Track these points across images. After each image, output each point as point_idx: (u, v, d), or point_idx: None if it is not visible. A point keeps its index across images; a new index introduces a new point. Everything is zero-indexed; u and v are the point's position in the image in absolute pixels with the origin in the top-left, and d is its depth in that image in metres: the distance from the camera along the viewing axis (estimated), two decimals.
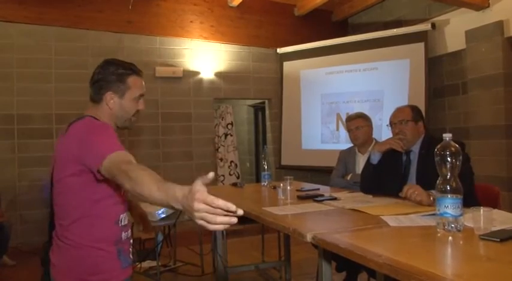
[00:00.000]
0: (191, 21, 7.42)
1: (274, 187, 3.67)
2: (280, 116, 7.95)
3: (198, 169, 7.03)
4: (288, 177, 3.27)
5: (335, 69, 7.37)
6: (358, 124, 3.99)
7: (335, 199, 2.91)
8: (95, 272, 1.81)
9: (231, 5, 7.57)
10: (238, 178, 8.00)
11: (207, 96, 7.49)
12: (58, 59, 6.64)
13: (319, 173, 7.20)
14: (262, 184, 3.91)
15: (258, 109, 9.23)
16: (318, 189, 3.55)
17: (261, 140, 9.00)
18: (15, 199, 6.31)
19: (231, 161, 7.86)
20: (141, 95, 1.99)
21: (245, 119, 9.54)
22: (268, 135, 8.27)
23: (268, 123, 8.28)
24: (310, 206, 2.66)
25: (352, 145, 4.13)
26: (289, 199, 2.92)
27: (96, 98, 1.96)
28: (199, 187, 1.15)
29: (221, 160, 7.85)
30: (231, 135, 8.00)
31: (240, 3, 7.49)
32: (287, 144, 7.71)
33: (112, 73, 1.94)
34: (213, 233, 3.99)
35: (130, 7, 6.79)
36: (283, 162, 7.72)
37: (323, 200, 2.87)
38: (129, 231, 1.98)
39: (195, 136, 7.32)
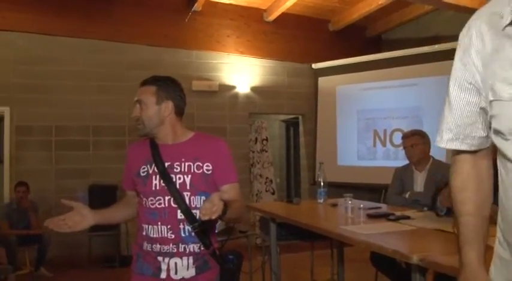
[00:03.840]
0: (228, 36, 7.42)
1: (334, 205, 3.59)
2: (314, 132, 7.87)
3: None
4: (347, 195, 3.20)
5: (371, 85, 7.29)
6: (413, 142, 3.89)
7: (408, 218, 2.81)
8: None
9: (266, 19, 7.57)
10: (273, 194, 7.89)
11: (242, 111, 7.46)
12: (94, 71, 6.68)
13: (355, 190, 7.05)
14: (319, 201, 3.83)
15: (290, 124, 9.16)
16: (380, 207, 3.46)
17: (293, 156, 8.92)
18: (51, 211, 6.27)
19: (266, 177, 7.76)
20: (136, 101, 2.05)
21: (277, 134, 9.47)
22: (302, 151, 8.18)
23: (301, 138, 8.20)
24: (389, 226, 2.57)
25: (407, 162, 4.03)
26: (361, 217, 2.83)
27: None
28: None
29: (260, 176, 7.77)
30: (266, 151, 7.93)
31: (276, 18, 7.48)
32: (322, 160, 7.59)
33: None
34: (268, 250, 3.89)
35: (186, 20, 6.85)
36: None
37: (397, 219, 2.77)
38: (161, 246, 1.92)
39: (231, 151, 7.25)
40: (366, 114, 7.32)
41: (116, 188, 6.36)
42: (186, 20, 6.84)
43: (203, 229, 1.91)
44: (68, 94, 6.54)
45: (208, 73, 7.26)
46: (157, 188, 1.91)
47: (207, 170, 1.97)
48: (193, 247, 1.92)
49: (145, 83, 2.04)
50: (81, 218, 1.96)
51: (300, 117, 8.20)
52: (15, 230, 5.58)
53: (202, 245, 1.93)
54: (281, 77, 7.77)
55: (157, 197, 1.91)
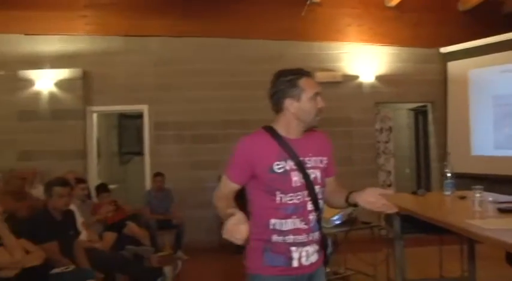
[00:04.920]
0: (348, 25, 7.31)
1: (463, 197, 3.39)
2: (444, 120, 7.43)
3: (359, 175, 6.84)
4: (477, 187, 3.00)
5: (510, 67, 6.66)
6: None
7: None
8: (249, 257, 2.07)
9: (388, 5, 7.29)
10: (389, 186, 7.64)
11: (367, 101, 7.33)
12: (222, 68, 7.08)
13: (491, 182, 6.55)
14: (446, 193, 3.64)
15: (419, 113, 8.75)
16: None
17: (422, 146, 8.51)
18: (186, 200, 6.80)
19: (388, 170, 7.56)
20: (317, 93, 2.01)
21: (405, 123, 9.11)
22: (431, 140, 7.78)
23: (430, 127, 7.80)
24: None
25: None
26: (490, 211, 2.66)
27: (278, 108, 2.05)
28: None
29: (385, 166, 7.60)
30: (388, 142, 7.70)
31: (398, 2, 7.16)
32: (454, 150, 7.14)
33: (283, 82, 2.01)
34: (392, 243, 3.82)
35: (303, 14, 6.93)
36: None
37: None
38: (294, 237, 1.98)
39: (356, 142, 7.19)
40: (504, 100, 6.72)
41: None
42: (303, 14, 6.87)
43: (320, 218, 2.04)
44: (199, 91, 7.02)
45: (331, 64, 7.25)
46: (298, 184, 1.95)
47: (325, 164, 2.07)
48: (317, 234, 2.04)
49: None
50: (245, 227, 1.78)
51: (429, 105, 7.79)
52: (154, 215, 6.15)
53: (320, 232, 2.06)
54: (407, 64, 7.45)
55: (297, 193, 1.96)
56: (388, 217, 3.92)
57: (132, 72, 7.03)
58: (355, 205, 2.01)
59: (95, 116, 7.29)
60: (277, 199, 1.95)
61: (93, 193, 5.76)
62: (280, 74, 2.04)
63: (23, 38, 7.06)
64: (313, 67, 7.04)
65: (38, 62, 7.00)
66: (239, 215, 1.69)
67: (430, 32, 7.45)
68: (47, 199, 3.77)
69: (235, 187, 2.03)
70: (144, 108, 7.08)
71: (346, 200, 2.02)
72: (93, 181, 6.77)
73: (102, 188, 5.61)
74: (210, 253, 6.50)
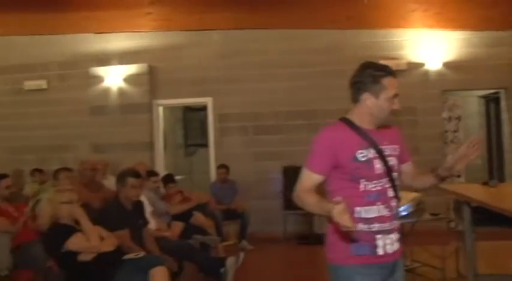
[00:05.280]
0: (413, 11, 7.02)
1: None
2: None
3: (425, 165, 6.59)
4: None
5: None
6: None
7: None
8: (332, 249, 2.07)
9: None
10: (459, 177, 7.30)
11: (433, 89, 7.06)
12: (284, 59, 7.09)
13: None
14: None
15: (491, 100, 8.32)
16: None
17: (494, 135, 8.10)
18: (249, 190, 6.88)
19: None
20: (396, 95, 2.04)
21: (475, 111, 8.69)
22: (505, 129, 7.38)
23: (503, 115, 7.39)
24: None
25: None
26: None
27: (355, 99, 2.09)
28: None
29: None
30: (456, 131, 7.39)
31: None
32: None
33: (368, 75, 2.03)
34: (462, 236, 3.68)
35: (365, 1, 6.76)
36: None
37: None
38: (380, 225, 2.00)
39: (422, 131, 6.96)
40: None
41: None
42: (365, 1, 6.69)
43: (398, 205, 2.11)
44: (261, 83, 7.07)
45: (394, 52, 7.04)
46: (380, 171, 2.01)
47: (398, 152, 2.12)
48: (397, 223, 2.09)
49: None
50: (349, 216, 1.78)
51: (502, 91, 7.37)
52: (219, 206, 6.29)
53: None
54: (478, 49, 7.09)
55: (380, 180, 2.02)
56: (458, 209, 3.78)
57: (196, 65, 7.20)
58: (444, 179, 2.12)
59: (161, 109, 7.54)
60: (361, 186, 2.00)
61: (160, 183, 5.96)
62: (367, 66, 2.06)
63: (92, 37, 7.42)
64: (376, 56, 6.87)
65: (106, 59, 7.36)
66: (341, 206, 1.72)
67: (503, 12, 7.02)
68: (120, 188, 3.93)
69: (319, 178, 2.04)
70: (208, 101, 7.24)
71: (437, 176, 2.11)
72: (160, 172, 7.00)
73: (168, 179, 5.80)
74: (274, 243, 6.57)
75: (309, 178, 2.04)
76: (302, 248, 6.43)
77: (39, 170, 7.03)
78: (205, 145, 7.97)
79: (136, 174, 4.05)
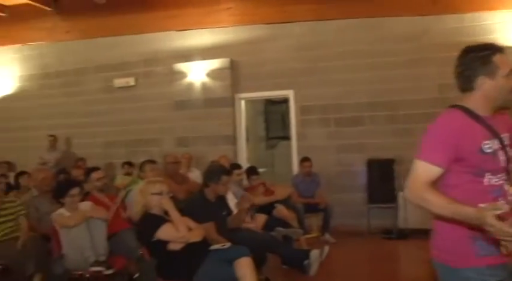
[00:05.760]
0: None
1: None
2: None
3: None
4: None
5: None
6: None
7: None
8: (449, 250, 1.88)
9: None
10: None
11: None
12: (364, 49, 6.86)
13: None
14: None
15: None
16: None
17: None
18: (332, 183, 6.79)
19: None
20: (511, 71, 1.84)
21: None
22: None
23: None
24: None
25: None
26: None
27: (467, 87, 1.90)
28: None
29: None
30: None
31: None
32: None
33: (475, 59, 1.85)
34: None
35: None
36: None
37: None
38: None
39: None
40: None
41: (393, 162, 6.45)
42: None
43: None
44: (343, 73, 6.92)
45: (485, 36, 6.50)
46: (504, 164, 1.86)
47: (509, 140, 1.92)
48: None
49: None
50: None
51: None
52: (301, 199, 6.25)
53: None
54: None
55: (502, 174, 1.87)
56: None
57: (276, 58, 7.20)
58: None
59: (243, 102, 7.64)
60: (486, 180, 1.84)
61: (243, 175, 6.04)
62: (470, 50, 1.89)
63: (175, 34, 7.67)
64: (463, 42, 6.42)
65: (189, 55, 7.57)
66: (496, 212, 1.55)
67: None
68: (211, 184, 4.06)
69: (438, 171, 1.82)
70: (289, 93, 7.22)
71: None
72: (242, 165, 7.09)
73: (252, 171, 5.86)
74: (357, 237, 6.44)
75: (428, 171, 1.82)
76: (386, 242, 6.25)
77: (129, 163, 7.43)
78: (286, 138, 7.98)
79: (228, 171, 4.21)
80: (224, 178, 4.08)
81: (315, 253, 4.38)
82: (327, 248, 4.75)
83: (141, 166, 5.41)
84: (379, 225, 6.60)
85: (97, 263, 3.74)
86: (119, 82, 8.11)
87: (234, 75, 7.38)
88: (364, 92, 6.85)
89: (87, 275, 3.74)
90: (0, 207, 4.22)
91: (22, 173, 5.84)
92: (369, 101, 6.82)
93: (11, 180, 5.95)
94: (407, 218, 6.38)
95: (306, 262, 4.32)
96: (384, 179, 6.52)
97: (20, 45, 8.79)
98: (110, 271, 3.76)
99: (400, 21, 6.74)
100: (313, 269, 4.31)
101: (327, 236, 6.22)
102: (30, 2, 7.71)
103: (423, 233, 6.05)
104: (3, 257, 3.94)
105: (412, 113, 6.50)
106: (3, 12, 8.28)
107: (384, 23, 6.80)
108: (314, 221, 6.48)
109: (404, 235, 6.27)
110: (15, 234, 4.17)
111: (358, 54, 6.86)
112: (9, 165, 8.00)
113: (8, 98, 9.01)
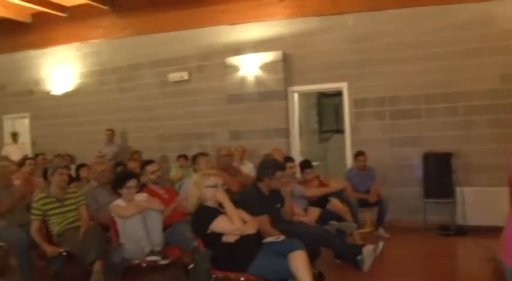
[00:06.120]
0: None
1: None
2: None
3: None
4: None
5: None
6: None
7: None
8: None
9: None
10: None
11: None
12: (421, 40, 6.62)
13: None
14: None
15: None
16: None
17: None
18: (387, 177, 6.63)
19: None
20: None
21: None
22: None
23: None
24: None
25: None
26: None
27: None
28: None
29: None
30: None
31: None
32: None
33: None
34: None
35: None
36: None
37: None
38: None
39: None
40: None
41: (451, 156, 6.23)
42: None
43: None
44: (399, 65, 6.72)
45: None
46: None
47: None
48: None
49: None
50: None
51: None
52: (355, 193, 6.15)
53: None
54: None
55: None
56: None
57: (329, 50, 7.09)
58: None
59: (295, 96, 7.59)
60: None
61: (297, 169, 6.01)
62: None
63: (228, 28, 7.72)
64: None
65: (242, 48, 7.61)
66: None
67: None
68: (265, 179, 4.08)
69: None
70: (343, 85, 7.10)
71: None
72: (296, 158, 7.07)
73: (306, 164, 5.81)
74: (413, 232, 6.26)
75: None
76: (443, 239, 6.04)
77: (184, 156, 7.58)
78: (340, 131, 7.86)
79: (282, 166, 4.22)
80: (278, 173, 4.07)
81: (368, 249, 4.30)
82: (381, 244, 4.64)
83: (194, 158, 5.44)
84: (435, 221, 6.39)
85: (153, 253, 3.83)
86: (173, 77, 8.26)
87: (287, 68, 7.34)
88: (420, 84, 6.61)
89: (144, 265, 3.86)
90: (64, 197, 4.41)
91: (82, 165, 6.10)
92: (426, 92, 6.59)
93: (72, 172, 6.20)
94: (466, 214, 6.16)
95: (359, 257, 4.25)
96: (441, 173, 6.28)
97: (79, 43, 9.14)
98: (165, 261, 3.86)
99: (459, 8, 6.40)
100: (367, 265, 4.23)
101: (381, 231, 6.09)
102: (89, 2, 8.03)
103: (483, 231, 5.83)
104: (67, 244, 4.11)
105: (472, 105, 6.23)
106: (63, 12, 8.68)
107: (440, 11, 6.50)
108: (368, 215, 6.37)
109: (463, 231, 6.05)
110: (77, 223, 4.33)
111: (413, 45, 6.63)
112: (70, 158, 8.39)
113: (69, 94, 9.40)
